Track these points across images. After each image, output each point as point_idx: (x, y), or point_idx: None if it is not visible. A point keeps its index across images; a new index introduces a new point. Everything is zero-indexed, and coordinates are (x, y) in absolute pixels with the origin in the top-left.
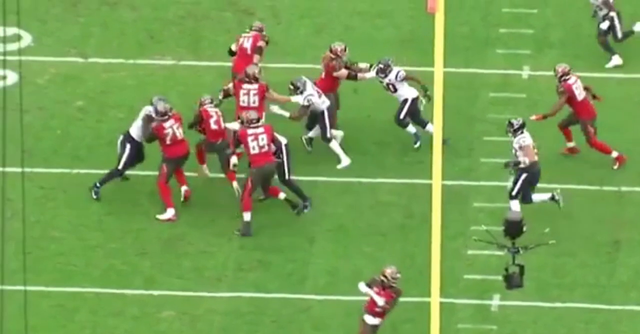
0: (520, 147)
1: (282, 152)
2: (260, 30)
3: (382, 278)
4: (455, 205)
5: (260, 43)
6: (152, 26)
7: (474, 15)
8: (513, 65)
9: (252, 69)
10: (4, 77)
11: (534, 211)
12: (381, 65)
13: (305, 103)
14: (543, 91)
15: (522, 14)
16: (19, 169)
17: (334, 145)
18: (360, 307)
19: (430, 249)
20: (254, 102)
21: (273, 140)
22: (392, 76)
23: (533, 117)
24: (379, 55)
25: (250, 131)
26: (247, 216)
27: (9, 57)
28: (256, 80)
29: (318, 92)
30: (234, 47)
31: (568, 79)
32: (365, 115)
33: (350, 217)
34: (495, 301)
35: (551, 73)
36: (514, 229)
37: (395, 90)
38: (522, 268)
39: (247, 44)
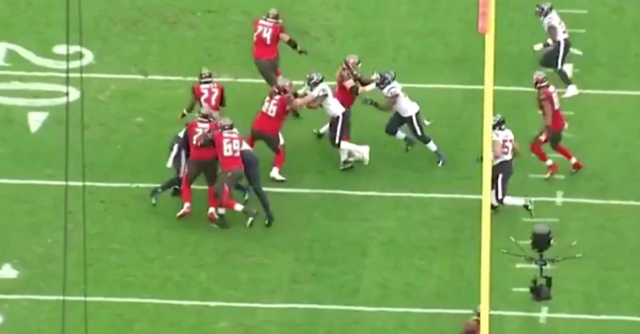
0: None
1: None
2: (277, 17)
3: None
4: (504, 220)
5: (284, 37)
6: (210, 44)
7: (523, 35)
8: (562, 83)
9: (282, 82)
10: (67, 94)
11: (582, 226)
12: (378, 77)
13: (321, 93)
14: (590, 108)
15: (570, 33)
16: (80, 183)
17: (345, 145)
18: (411, 318)
19: (479, 263)
20: (271, 111)
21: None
22: (385, 90)
23: (543, 137)
24: (430, 73)
25: (226, 134)
26: (238, 207)
27: (71, 74)
28: (285, 92)
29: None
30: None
31: (548, 87)
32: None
33: (402, 231)
34: (543, 314)
35: (600, 91)
36: (541, 242)
37: (394, 103)
38: (549, 280)
39: (267, 35)
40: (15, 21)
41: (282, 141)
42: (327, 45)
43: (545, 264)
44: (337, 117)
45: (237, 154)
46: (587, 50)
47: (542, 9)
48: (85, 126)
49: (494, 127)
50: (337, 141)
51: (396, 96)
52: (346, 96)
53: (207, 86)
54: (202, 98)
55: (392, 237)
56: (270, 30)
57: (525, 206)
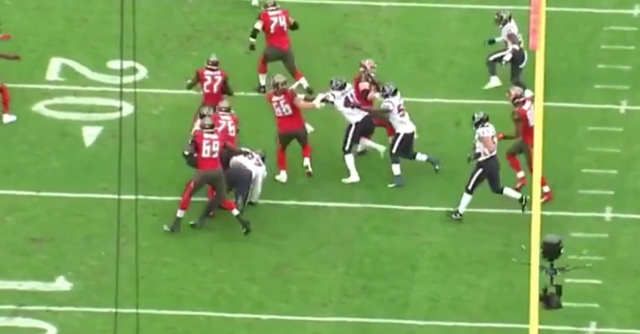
0: (480, 138)
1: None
2: (276, 4)
3: None
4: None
5: (290, 20)
6: None
7: (573, 52)
8: (611, 100)
9: (278, 79)
10: (120, 109)
11: (631, 241)
12: (379, 87)
13: (327, 98)
14: (639, 124)
15: (619, 50)
16: (134, 197)
17: (349, 160)
18: (460, 332)
19: (529, 277)
20: (287, 111)
21: (226, 147)
22: (383, 101)
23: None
24: (480, 89)
25: (206, 135)
26: (180, 213)
27: (125, 89)
28: (283, 86)
29: (352, 107)
30: (258, 26)
31: (523, 105)
32: (467, 147)
33: (452, 245)
34: (592, 328)
35: None
36: (551, 251)
37: (384, 117)
38: (559, 288)
39: (283, 22)
40: (70, 37)
41: (310, 129)
42: (378, 61)
43: (555, 273)
44: (350, 126)
45: (215, 155)
46: (636, 67)
47: (502, 18)
48: (139, 140)
49: (476, 125)
50: (346, 148)
51: (388, 110)
52: (362, 99)
53: (211, 72)
54: (205, 84)
55: (442, 252)
56: (283, 16)
57: (455, 211)
